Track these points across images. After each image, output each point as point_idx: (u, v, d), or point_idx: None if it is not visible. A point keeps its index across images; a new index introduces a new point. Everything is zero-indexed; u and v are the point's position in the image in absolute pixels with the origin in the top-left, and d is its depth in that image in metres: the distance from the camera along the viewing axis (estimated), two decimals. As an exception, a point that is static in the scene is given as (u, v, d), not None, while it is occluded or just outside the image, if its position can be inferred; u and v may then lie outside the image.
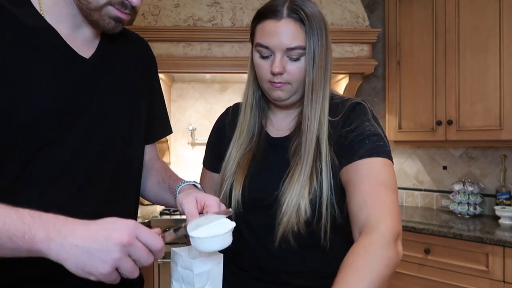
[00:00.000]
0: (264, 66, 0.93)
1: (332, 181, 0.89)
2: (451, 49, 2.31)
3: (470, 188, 2.39)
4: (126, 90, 0.90)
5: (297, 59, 0.90)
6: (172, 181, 0.94)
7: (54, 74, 0.76)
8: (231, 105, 1.13)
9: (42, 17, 0.77)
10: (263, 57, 0.92)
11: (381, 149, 0.84)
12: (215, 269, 0.76)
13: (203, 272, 0.74)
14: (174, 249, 0.80)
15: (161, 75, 2.52)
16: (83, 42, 0.83)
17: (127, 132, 0.89)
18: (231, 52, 2.41)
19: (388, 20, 2.65)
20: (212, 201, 0.80)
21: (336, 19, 2.46)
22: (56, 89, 0.76)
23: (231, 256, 1.02)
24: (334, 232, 0.91)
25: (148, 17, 2.39)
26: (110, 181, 0.85)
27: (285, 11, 0.88)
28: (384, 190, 0.77)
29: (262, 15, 0.92)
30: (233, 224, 0.74)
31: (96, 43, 0.86)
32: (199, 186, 0.91)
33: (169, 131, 1.09)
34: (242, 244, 0.99)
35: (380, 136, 0.87)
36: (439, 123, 2.35)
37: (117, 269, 0.61)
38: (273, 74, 0.90)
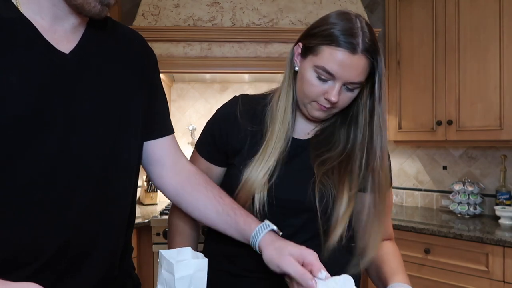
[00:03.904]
0: (318, 88, 0.91)
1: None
2: (451, 49, 2.31)
3: (470, 188, 2.39)
4: (115, 88, 0.79)
5: (351, 90, 0.92)
6: (241, 218, 0.87)
7: (27, 73, 0.67)
8: (237, 94, 1.07)
9: (18, 9, 0.68)
10: (321, 79, 0.90)
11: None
12: (199, 274, 0.72)
13: (185, 276, 0.70)
14: (162, 251, 0.75)
15: (161, 75, 2.51)
16: (63, 35, 0.73)
17: (116, 137, 0.79)
18: (231, 52, 2.41)
19: (388, 20, 2.65)
20: (312, 258, 0.75)
21: (336, 19, 2.45)
22: (28, 90, 0.67)
23: (233, 260, 1.00)
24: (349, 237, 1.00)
25: (148, 17, 2.39)
26: (90, 197, 0.76)
27: (360, 46, 0.86)
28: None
29: (336, 40, 0.87)
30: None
31: (78, 35, 0.76)
32: (275, 228, 0.86)
33: (170, 131, 0.95)
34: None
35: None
36: (439, 123, 2.35)
37: None
38: (329, 101, 0.91)
